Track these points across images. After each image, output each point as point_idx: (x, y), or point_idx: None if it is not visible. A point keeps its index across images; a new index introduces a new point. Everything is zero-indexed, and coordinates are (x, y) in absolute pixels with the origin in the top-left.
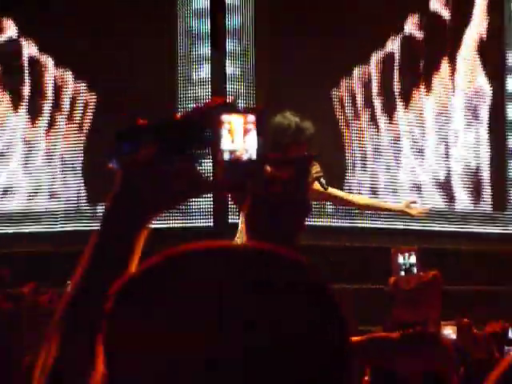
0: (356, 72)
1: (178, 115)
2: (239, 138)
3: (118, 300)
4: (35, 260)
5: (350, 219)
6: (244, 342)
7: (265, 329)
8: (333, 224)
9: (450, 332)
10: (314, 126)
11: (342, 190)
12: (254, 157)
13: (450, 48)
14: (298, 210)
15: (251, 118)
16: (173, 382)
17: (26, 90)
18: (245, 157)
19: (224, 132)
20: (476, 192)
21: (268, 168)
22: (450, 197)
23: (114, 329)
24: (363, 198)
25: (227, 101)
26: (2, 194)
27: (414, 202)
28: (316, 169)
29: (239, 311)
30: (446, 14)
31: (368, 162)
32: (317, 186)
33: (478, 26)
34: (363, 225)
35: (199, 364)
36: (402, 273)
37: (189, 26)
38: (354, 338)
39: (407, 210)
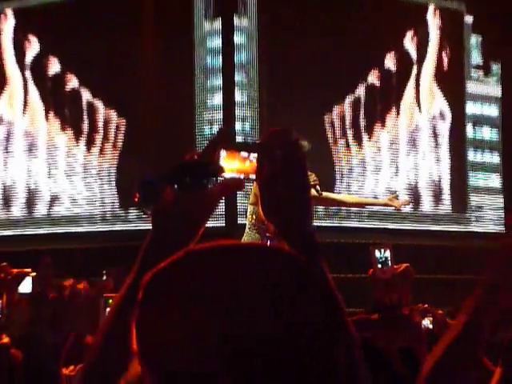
0: (346, 100)
1: (187, 157)
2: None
3: (147, 290)
4: (77, 255)
5: (337, 220)
6: (249, 329)
7: (268, 317)
8: (322, 224)
9: (427, 323)
10: (309, 144)
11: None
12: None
13: (415, 79)
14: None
15: (244, 154)
16: (189, 358)
17: (85, 125)
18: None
19: (223, 164)
20: (438, 197)
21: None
22: (417, 201)
23: (143, 314)
24: (352, 197)
25: (225, 139)
26: (56, 201)
27: (396, 197)
28: (312, 177)
29: (248, 301)
30: (412, 49)
31: (353, 173)
32: (313, 192)
33: (434, 60)
34: (347, 224)
35: (212, 342)
36: (379, 265)
37: (204, 61)
38: None
39: (390, 203)
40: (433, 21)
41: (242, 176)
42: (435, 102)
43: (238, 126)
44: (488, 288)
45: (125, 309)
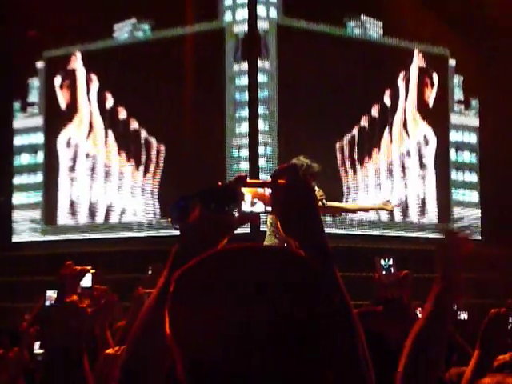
0: (352, 129)
1: (215, 185)
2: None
3: (177, 284)
4: (128, 257)
5: (343, 228)
6: (266, 316)
7: (282, 311)
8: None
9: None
10: (319, 166)
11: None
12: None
13: (403, 112)
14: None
15: (260, 190)
16: (212, 342)
17: (132, 150)
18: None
19: (243, 196)
20: (425, 210)
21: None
22: (404, 213)
23: (174, 304)
24: (353, 204)
25: (245, 179)
26: (111, 211)
27: (389, 201)
28: (320, 193)
29: (264, 295)
30: (403, 88)
31: (357, 189)
32: (320, 204)
33: (421, 96)
34: (349, 232)
35: (233, 331)
36: (384, 272)
37: (233, 96)
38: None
39: (384, 207)
40: (421, 63)
41: (259, 206)
42: (421, 131)
43: (261, 150)
44: (439, 280)
45: (160, 300)
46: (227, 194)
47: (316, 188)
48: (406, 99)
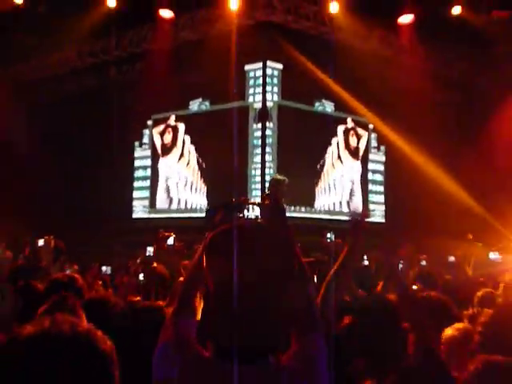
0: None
1: (230, 202)
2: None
3: (209, 243)
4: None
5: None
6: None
7: (260, 259)
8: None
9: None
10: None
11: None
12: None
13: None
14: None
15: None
16: (228, 277)
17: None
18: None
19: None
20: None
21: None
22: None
23: (208, 255)
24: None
25: (245, 200)
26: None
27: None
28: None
29: (250, 250)
30: (341, 137)
31: (321, 192)
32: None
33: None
34: (314, 216)
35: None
36: (328, 240)
37: (252, 142)
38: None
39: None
40: (352, 126)
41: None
42: (351, 163)
43: (266, 171)
44: (348, 243)
45: (201, 254)
46: (236, 207)
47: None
48: (338, 144)
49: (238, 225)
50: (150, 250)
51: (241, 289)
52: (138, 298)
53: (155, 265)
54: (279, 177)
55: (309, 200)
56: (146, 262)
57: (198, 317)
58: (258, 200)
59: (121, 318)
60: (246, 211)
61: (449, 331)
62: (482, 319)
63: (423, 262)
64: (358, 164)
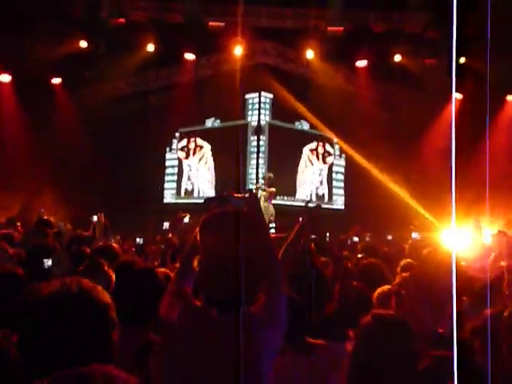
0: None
1: (222, 195)
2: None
3: (201, 224)
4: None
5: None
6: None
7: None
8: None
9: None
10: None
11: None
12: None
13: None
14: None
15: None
16: (218, 252)
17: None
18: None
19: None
20: (323, 197)
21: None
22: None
23: (201, 233)
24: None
25: (233, 193)
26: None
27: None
28: (271, 190)
29: (231, 230)
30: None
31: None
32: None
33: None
34: (291, 203)
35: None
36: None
37: (251, 149)
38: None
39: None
40: (321, 140)
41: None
42: (319, 165)
43: (259, 171)
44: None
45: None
46: (226, 198)
47: (273, 188)
48: (310, 152)
49: (223, 211)
50: (166, 225)
51: (223, 256)
52: (156, 263)
53: (170, 235)
54: (269, 174)
55: (290, 191)
56: (163, 233)
57: (193, 277)
58: (242, 194)
59: (143, 276)
60: (234, 201)
61: (378, 290)
62: (397, 280)
63: (367, 238)
64: (325, 166)
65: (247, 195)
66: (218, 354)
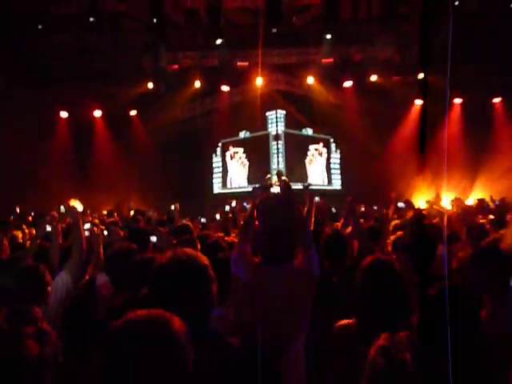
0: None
1: (262, 186)
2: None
3: (258, 203)
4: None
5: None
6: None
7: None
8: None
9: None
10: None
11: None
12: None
13: (321, 151)
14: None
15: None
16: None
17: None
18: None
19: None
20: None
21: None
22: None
23: (258, 212)
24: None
25: (270, 184)
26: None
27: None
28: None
29: (274, 209)
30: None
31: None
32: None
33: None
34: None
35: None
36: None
37: (272, 152)
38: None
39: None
40: (322, 142)
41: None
42: (323, 159)
43: (280, 166)
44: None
45: (252, 209)
46: (267, 187)
47: (285, 178)
48: (314, 150)
49: (268, 196)
50: (227, 207)
51: (272, 225)
52: (221, 234)
53: (230, 215)
54: (280, 169)
55: (303, 178)
56: (224, 212)
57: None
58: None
59: (213, 245)
60: (272, 189)
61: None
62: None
63: (362, 208)
64: (325, 159)
65: (282, 184)
66: (273, 294)
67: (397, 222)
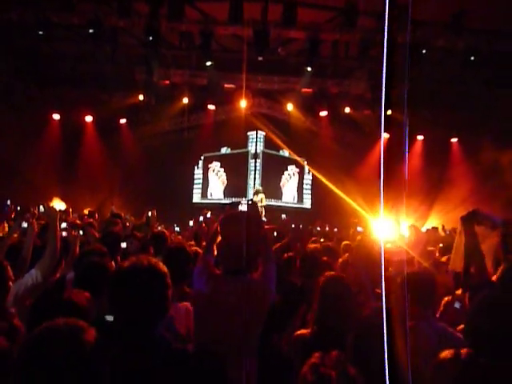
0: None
1: (231, 203)
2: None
3: (222, 220)
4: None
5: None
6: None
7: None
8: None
9: None
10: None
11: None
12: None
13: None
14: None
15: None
16: (233, 245)
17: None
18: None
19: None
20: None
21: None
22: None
23: (221, 227)
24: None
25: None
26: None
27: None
28: (263, 198)
29: (242, 222)
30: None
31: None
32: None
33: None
34: (277, 203)
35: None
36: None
37: (249, 169)
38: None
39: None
40: (295, 163)
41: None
42: (296, 180)
43: (257, 183)
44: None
45: (217, 224)
46: (235, 204)
47: (263, 196)
48: (289, 170)
49: (234, 213)
50: (201, 218)
51: (235, 241)
52: (192, 242)
53: (204, 225)
54: (258, 187)
55: (277, 196)
56: (198, 223)
57: (215, 254)
58: (245, 202)
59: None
60: (240, 207)
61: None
62: (339, 261)
63: (327, 228)
64: (297, 179)
65: (250, 202)
66: (231, 304)
67: (346, 242)
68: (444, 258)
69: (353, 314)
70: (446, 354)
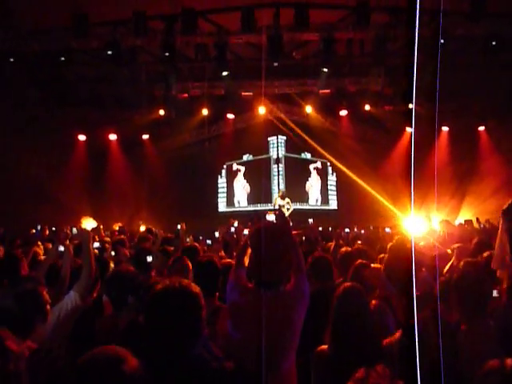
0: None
1: (259, 214)
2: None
3: (251, 234)
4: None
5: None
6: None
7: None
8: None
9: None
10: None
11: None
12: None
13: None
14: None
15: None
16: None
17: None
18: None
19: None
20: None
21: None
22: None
23: (251, 240)
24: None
25: (266, 212)
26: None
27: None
28: (287, 200)
29: (268, 234)
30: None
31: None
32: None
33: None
34: (302, 206)
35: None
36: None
37: (273, 173)
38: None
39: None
40: (319, 164)
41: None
42: (319, 179)
43: (281, 187)
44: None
45: (247, 237)
46: (262, 215)
47: (288, 199)
48: (317, 170)
49: (263, 224)
50: (232, 229)
51: (266, 254)
52: (222, 254)
53: (234, 236)
54: (282, 190)
55: (303, 199)
56: (226, 233)
57: (246, 266)
58: (272, 211)
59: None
60: (267, 216)
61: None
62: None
63: (355, 229)
64: (321, 181)
65: (277, 212)
66: (266, 318)
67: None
68: (485, 254)
69: (370, 326)
70: (492, 363)
